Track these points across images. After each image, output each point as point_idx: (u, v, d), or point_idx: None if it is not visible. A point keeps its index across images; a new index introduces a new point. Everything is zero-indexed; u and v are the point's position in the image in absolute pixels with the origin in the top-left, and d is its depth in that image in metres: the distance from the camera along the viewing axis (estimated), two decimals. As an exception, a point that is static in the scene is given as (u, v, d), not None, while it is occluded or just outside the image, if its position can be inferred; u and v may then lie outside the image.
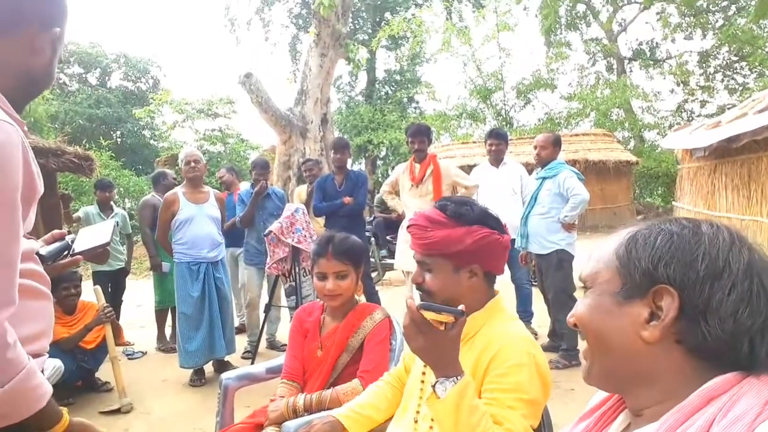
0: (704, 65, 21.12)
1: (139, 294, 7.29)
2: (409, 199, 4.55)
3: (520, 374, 1.24)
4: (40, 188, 1.03)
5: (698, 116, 19.88)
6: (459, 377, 1.10)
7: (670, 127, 18.67)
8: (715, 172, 7.51)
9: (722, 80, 21.18)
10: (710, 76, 21.23)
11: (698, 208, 7.98)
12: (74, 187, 12.27)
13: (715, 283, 0.67)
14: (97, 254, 1.42)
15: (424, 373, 1.43)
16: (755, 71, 19.58)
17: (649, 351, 0.70)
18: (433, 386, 1.11)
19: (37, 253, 1.15)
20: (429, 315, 1.06)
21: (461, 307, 1.08)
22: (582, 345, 0.81)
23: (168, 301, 5.06)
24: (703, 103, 21.29)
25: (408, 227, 1.43)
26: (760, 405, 0.62)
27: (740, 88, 20.04)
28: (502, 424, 1.17)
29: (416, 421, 1.39)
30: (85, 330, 3.76)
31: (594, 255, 0.80)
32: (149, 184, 8.10)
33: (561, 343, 4.15)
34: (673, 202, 9.49)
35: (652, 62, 22.59)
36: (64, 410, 1.07)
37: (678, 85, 21.59)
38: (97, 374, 4.10)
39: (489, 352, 1.28)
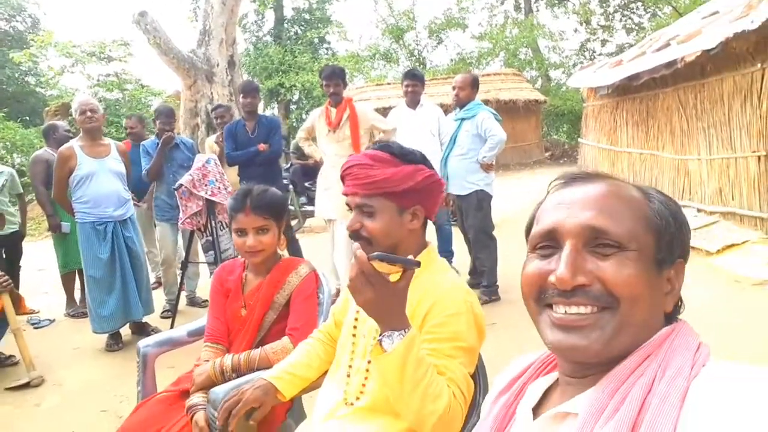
0: (604, 5, 21.92)
1: (40, 257, 6.75)
2: (326, 144, 4.42)
3: (458, 323, 1.23)
4: None
5: (599, 55, 20.79)
6: (406, 330, 1.07)
7: (574, 66, 19.46)
8: (617, 109, 7.92)
9: (621, 20, 22.14)
10: (610, 16, 22.12)
11: (602, 144, 8.45)
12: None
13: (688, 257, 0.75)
14: None
15: (355, 327, 1.40)
16: (649, 11, 20.61)
17: (661, 323, 0.71)
18: (380, 340, 1.08)
19: None
20: (381, 267, 1.00)
21: (410, 257, 1.04)
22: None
23: (73, 263, 4.71)
24: (603, 42, 22.27)
25: (347, 168, 1.35)
26: (691, 356, 0.65)
27: (636, 28, 21.09)
28: (444, 374, 1.17)
29: (348, 376, 1.37)
30: (-22, 303, 3.41)
31: (608, 203, 0.70)
32: (40, 137, 7.37)
33: (481, 279, 4.31)
34: (579, 139, 9.98)
35: (557, 1, 23.13)
36: None
37: (581, 24, 22.36)
38: (0, 348, 3.79)
39: (425, 304, 1.27)
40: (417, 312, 1.27)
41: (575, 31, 23.02)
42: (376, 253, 1.01)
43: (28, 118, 17.53)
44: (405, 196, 1.31)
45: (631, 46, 12.88)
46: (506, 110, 13.59)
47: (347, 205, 1.37)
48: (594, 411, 0.64)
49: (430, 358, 1.17)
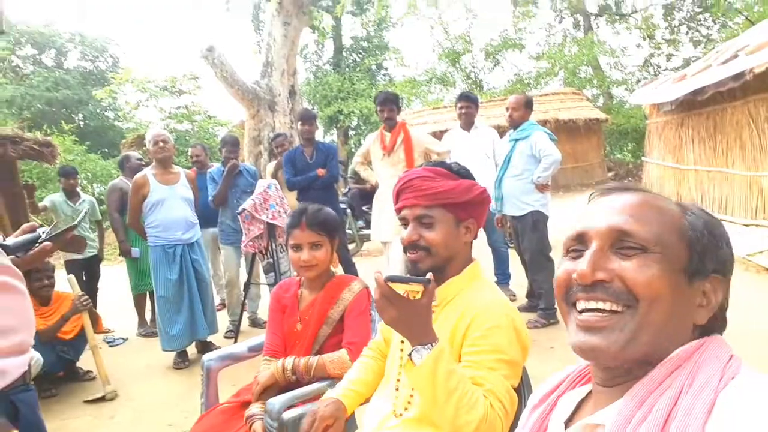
0: (669, 18, 21.24)
1: (115, 280, 7.18)
2: (382, 168, 4.52)
3: (498, 336, 1.26)
4: None
5: (665, 70, 20.10)
6: (433, 344, 1.12)
7: (638, 82, 18.85)
8: (682, 126, 7.63)
9: (687, 33, 21.36)
10: (675, 29, 21.40)
11: (667, 162, 8.13)
12: (39, 175, 11.91)
13: (728, 274, 0.74)
14: (70, 241, 1.37)
15: (402, 341, 1.45)
16: (718, 22, 19.78)
17: (690, 334, 0.72)
18: (410, 355, 1.13)
19: (1, 245, 1.11)
20: (397, 286, 1.07)
21: (429, 275, 1.09)
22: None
23: (144, 285, 4.99)
24: (669, 57, 21.50)
25: (407, 180, 1.41)
26: (721, 368, 0.65)
27: (705, 40, 20.27)
28: (483, 386, 1.20)
29: (397, 389, 1.41)
30: (62, 320, 3.69)
31: (639, 211, 0.72)
32: (117, 168, 7.90)
33: (539, 302, 4.23)
34: (643, 158, 9.64)
35: (618, 17, 22.63)
36: None
37: (644, 39, 21.74)
38: (79, 363, 4.06)
39: (467, 317, 1.30)
40: (459, 325, 1.30)
41: (638, 46, 22.38)
42: (388, 275, 1.08)
43: (107, 150, 18.82)
44: (463, 209, 1.37)
45: (698, 59, 12.37)
46: (566, 130, 13.34)
47: (402, 219, 1.42)
48: (621, 420, 0.65)
49: (470, 369, 1.20)
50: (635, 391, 0.67)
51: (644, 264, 0.69)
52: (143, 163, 5.30)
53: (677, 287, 0.70)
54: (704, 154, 7.06)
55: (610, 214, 0.74)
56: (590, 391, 0.80)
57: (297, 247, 1.93)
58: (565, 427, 0.78)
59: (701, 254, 0.72)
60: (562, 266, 0.78)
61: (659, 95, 7.88)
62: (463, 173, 1.42)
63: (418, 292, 1.09)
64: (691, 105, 7.13)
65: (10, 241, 1.24)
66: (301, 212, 1.95)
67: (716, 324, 0.75)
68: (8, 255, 1.11)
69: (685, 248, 0.71)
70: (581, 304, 0.72)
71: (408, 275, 1.13)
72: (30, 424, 1.14)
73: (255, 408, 1.76)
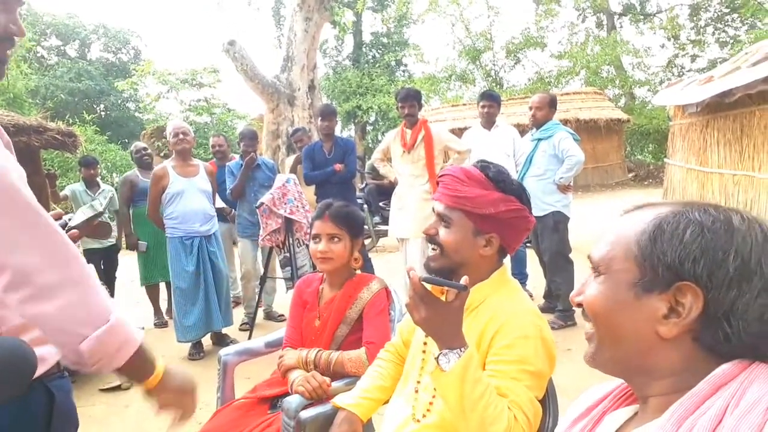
0: (695, 18, 20.86)
1: (132, 270, 7.23)
2: (401, 165, 4.48)
3: (525, 346, 1.22)
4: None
5: (689, 71, 19.76)
6: (463, 349, 1.09)
7: (661, 83, 18.56)
8: (707, 128, 7.48)
9: (713, 33, 20.96)
10: (701, 30, 21.01)
11: (690, 165, 7.99)
12: (60, 164, 12.07)
13: (743, 285, 0.64)
14: (97, 227, 1.38)
15: (425, 344, 1.42)
16: (747, 23, 19.36)
17: (663, 345, 0.69)
18: (436, 358, 1.10)
19: None
20: (433, 288, 1.04)
21: (464, 280, 1.05)
22: (583, 324, 0.79)
23: (152, 276, 5.02)
24: (693, 58, 21.13)
25: (443, 175, 1.39)
26: None
27: (731, 41, 19.85)
28: (506, 396, 1.16)
29: (417, 391, 1.38)
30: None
31: (608, 237, 0.75)
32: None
33: (557, 303, 4.18)
34: (665, 159, 9.49)
35: (642, 17, 22.29)
36: (159, 362, 1.10)
37: (668, 39, 21.38)
38: (95, 352, 4.09)
39: (494, 324, 1.26)
40: (486, 332, 1.27)
41: (662, 46, 22.03)
42: (425, 276, 1.06)
43: (127, 140, 19.05)
44: (483, 221, 1.31)
45: (725, 60, 12.11)
46: (586, 130, 13.20)
47: (433, 209, 1.41)
48: None
49: (494, 379, 1.17)
50: (673, 408, 0.65)
51: (592, 285, 0.76)
52: (146, 153, 5.26)
53: (622, 302, 0.71)
54: (729, 157, 6.91)
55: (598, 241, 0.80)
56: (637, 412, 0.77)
57: (316, 238, 1.93)
58: None
59: (654, 267, 0.68)
60: None
61: (685, 96, 7.72)
62: (502, 185, 1.32)
63: (447, 291, 1.06)
64: (718, 107, 6.98)
65: None
66: (326, 205, 1.97)
67: (732, 340, 0.66)
68: None
69: (633, 264, 0.70)
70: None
71: (444, 279, 1.09)
72: (65, 411, 1.17)
73: (296, 373, 1.82)
